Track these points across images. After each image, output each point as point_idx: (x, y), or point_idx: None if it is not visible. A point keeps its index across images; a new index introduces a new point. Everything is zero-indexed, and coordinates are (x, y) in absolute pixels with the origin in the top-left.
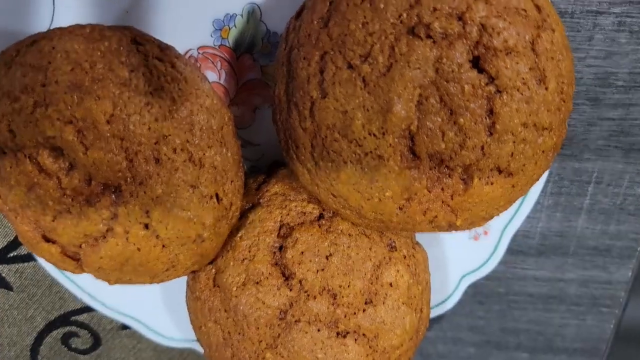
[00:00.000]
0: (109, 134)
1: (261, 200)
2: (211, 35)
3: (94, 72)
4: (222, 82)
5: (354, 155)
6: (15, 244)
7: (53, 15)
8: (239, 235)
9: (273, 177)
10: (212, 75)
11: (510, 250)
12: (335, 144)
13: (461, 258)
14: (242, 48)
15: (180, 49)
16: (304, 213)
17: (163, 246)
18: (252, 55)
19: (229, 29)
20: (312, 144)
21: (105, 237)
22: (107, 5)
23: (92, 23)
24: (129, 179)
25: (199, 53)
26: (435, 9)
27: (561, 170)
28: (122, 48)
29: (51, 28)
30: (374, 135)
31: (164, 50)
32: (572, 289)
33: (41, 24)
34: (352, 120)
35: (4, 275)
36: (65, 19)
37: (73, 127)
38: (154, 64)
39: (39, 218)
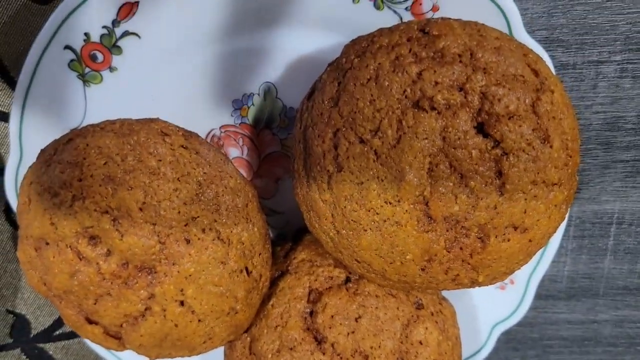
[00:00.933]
0: (142, 220)
1: (289, 268)
2: (232, 115)
3: (125, 164)
4: (244, 156)
5: (372, 223)
6: (60, 322)
7: (85, 110)
8: (271, 303)
9: (299, 244)
10: (235, 151)
11: (539, 295)
12: (354, 214)
13: (490, 308)
14: (261, 124)
15: (204, 128)
16: (331, 277)
17: (199, 320)
18: (271, 130)
19: (248, 107)
20: (333, 214)
21: (144, 316)
22: (135, 97)
23: (122, 118)
24: (162, 260)
25: (221, 132)
26: (436, 83)
27: (581, 213)
28: (150, 140)
29: (84, 122)
30: (390, 203)
31: (188, 138)
32: (607, 330)
33: (75, 119)
34: (367, 190)
35: (51, 352)
36: (96, 113)
37: (109, 217)
38: (180, 152)
39: (81, 302)
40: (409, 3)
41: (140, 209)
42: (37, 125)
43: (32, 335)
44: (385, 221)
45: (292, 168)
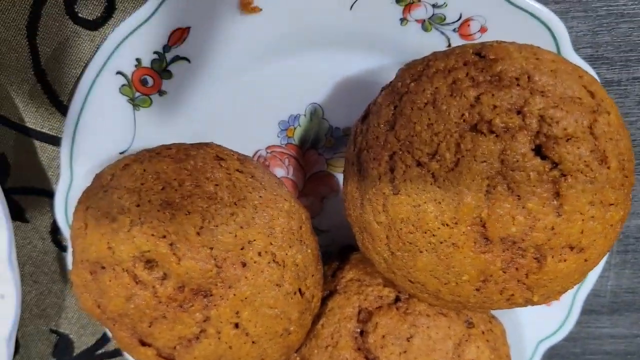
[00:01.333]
0: (199, 245)
1: (338, 287)
2: (278, 135)
3: (183, 189)
4: (290, 176)
5: (429, 244)
6: (103, 341)
7: (134, 133)
8: (321, 323)
9: (346, 263)
10: (280, 171)
11: (582, 310)
12: (410, 236)
13: (536, 324)
14: (307, 144)
15: (250, 149)
16: (381, 297)
17: (253, 342)
18: (317, 149)
19: (294, 128)
20: (387, 235)
21: (198, 338)
22: (182, 120)
23: (176, 143)
24: (219, 283)
25: (267, 152)
26: (495, 107)
27: (625, 228)
28: (206, 165)
29: (133, 145)
30: (447, 225)
31: (244, 162)
32: None
33: (124, 143)
34: (425, 213)
35: None
36: (145, 136)
37: (166, 241)
38: (236, 176)
39: (136, 325)
40: (457, 25)
41: (198, 234)
42: (87, 149)
43: (74, 355)
44: (442, 243)
45: (344, 190)
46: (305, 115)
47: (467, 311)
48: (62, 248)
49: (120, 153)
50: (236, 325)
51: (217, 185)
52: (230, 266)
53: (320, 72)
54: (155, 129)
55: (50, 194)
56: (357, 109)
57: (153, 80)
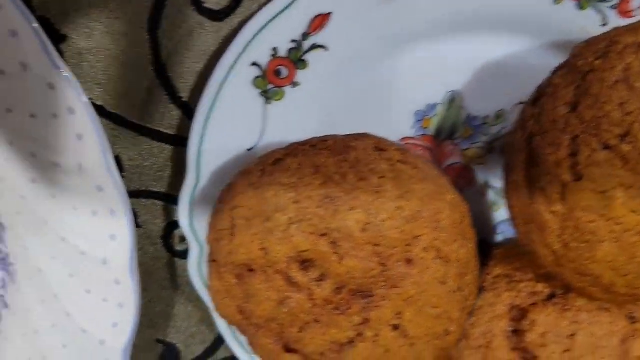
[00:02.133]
0: (363, 242)
1: (485, 284)
2: (412, 127)
3: (345, 183)
4: None
5: (611, 234)
6: (212, 349)
7: (263, 129)
8: (470, 322)
9: (491, 259)
10: None
11: None
12: (590, 225)
13: None
14: (443, 135)
15: None
16: (535, 293)
17: (410, 345)
18: (453, 140)
19: (430, 118)
20: (562, 226)
21: (352, 342)
22: (313, 111)
23: (330, 135)
24: (381, 283)
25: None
26: None
27: None
28: (368, 157)
29: (262, 141)
30: (635, 212)
31: (404, 153)
32: None
33: (251, 139)
34: (611, 199)
35: None
36: (274, 131)
37: (327, 239)
38: (399, 168)
39: (284, 330)
40: (615, 1)
41: (363, 230)
42: (215, 147)
43: None
44: (626, 231)
45: (508, 179)
46: (443, 103)
47: (630, 305)
48: (174, 253)
49: (248, 150)
50: (395, 327)
51: (381, 177)
52: (395, 264)
53: (460, 58)
54: (285, 123)
55: (164, 197)
56: (499, 96)
57: (288, 71)
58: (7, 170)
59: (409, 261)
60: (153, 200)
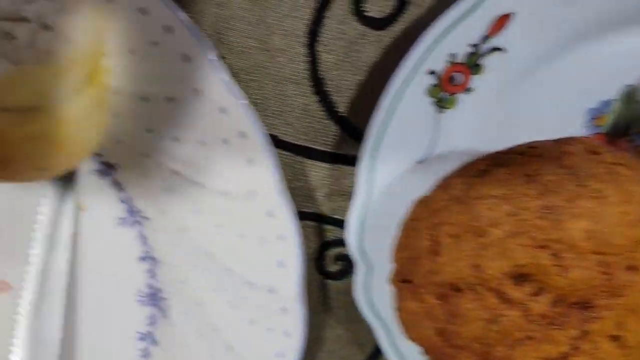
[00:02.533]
0: (588, 251)
1: None
2: (583, 126)
3: (565, 191)
4: None
5: None
6: None
7: (434, 139)
8: None
9: None
10: None
11: None
12: None
13: None
14: (618, 132)
15: None
16: None
17: (626, 355)
18: (628, 137)
19: (605, 115)
20: None
21: (565, 358)
22: (484, 118)
23: (535, 140)
24: (602, 292)
25: None
26: None
27: None
28: (585, 161)
29: (432, 152)
30: None
31: (616, 154)
32: None
33: (419, 151)
34: None
35: None
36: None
37: (547, 251)
38: (617, 170)
39: (491, 350)
40: None
41: (588, 238)
42: (387, 162)
43: None
44: None
45: None
46: (618, 99)
47: None
48: (326, 275)
49: (418, 163)
50: (614, 338)
51: (601, 182)
52: (618, 271)
53: (636, 50)
54: (457, 131)
55: (316, 218)
56: None
57: (463, 77)
58: (169, 203)
59: (632, 268)
60: (305, 221)
